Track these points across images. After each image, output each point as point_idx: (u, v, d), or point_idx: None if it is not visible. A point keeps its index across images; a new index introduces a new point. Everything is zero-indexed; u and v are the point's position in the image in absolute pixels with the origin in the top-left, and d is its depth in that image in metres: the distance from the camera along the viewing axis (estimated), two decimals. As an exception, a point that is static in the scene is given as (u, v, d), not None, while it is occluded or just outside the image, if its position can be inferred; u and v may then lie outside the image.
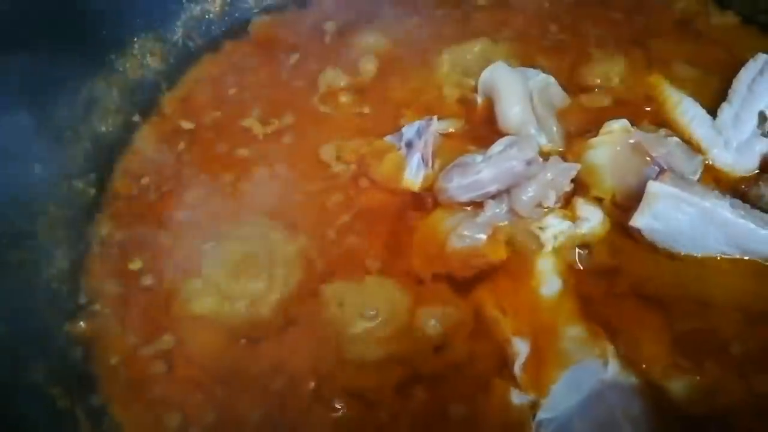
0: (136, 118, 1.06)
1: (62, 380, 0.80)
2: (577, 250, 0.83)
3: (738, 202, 0.78)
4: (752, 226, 0.77)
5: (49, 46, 0.93)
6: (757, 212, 0.78)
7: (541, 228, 0.84)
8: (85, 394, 0.81)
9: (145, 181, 0.99)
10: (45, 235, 0.89)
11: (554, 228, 0.83)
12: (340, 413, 0.77)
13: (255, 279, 0.86)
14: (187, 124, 1.05)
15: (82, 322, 0.86)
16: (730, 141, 0.87)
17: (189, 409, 0.78)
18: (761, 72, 0.89)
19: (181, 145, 1.03)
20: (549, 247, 0.83)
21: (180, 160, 1.01)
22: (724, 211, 0.77)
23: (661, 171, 0.82)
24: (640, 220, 0.80)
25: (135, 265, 0.90)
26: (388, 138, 0.97)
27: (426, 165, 0.93)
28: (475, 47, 1.07)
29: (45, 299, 0.86)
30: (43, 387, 0.78)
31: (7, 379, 0.76)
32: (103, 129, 1.02)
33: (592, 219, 0.83)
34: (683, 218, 0.78)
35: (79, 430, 0.77)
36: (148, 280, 0.89)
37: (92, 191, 0.98)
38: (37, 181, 0.91)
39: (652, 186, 0.78)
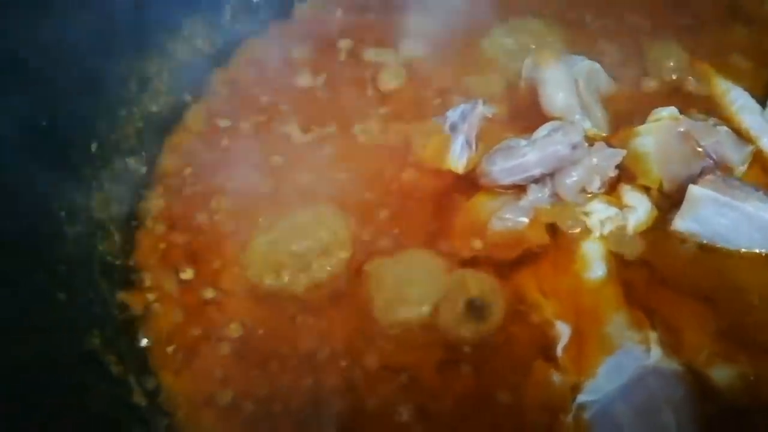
0: (187, 98, 1.07)
1: (116, 349, 0.82)
2: (622, 236, 0.82)
3: None
4: None
5: (103, 26, 0.94)
6: None
7: (586, 213, 0.83)
8: (137, 363, 0.83)
9: (194, 160, 1.00)
10: (100, 210, 0.91)
11: (601, 213, 0.82)
12: (381, 389, 0.77)
13: (303, 257, 0.86)
14: (235, 104, 1.06)
15: (133, 294, 0.87)
16: (781, 131, 0.86)
17: (239, 382, 0.79)
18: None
19: (229, 124, 1.04)
20: (597, 233, 0.82)
21: (229, 140, 1.02)
22: (766, 214, 0.76)
23: (704, 171, 0.80)
24: (680, 224, 0.80)
25: (183, 240, 0.92)
26: (433, 120, 0.97)
27: (470, 148, 0.93)
28: (521, 30, 1.06)
29: (100, 271, 0.88)
30: (100, 354, 0.80)
31: (67, 347, 0.78)
32: (155, 109, 1.04)
33: (639, 207, 0.82)
34: (725, 222, 0.77)
35: (133, 398, 0.79)
36: (196, 256, 0.90)
37: (143, 169, 0.99)
38: (94, 159, 0.93)
39: (693, 190, 0.78)
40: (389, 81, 1.04)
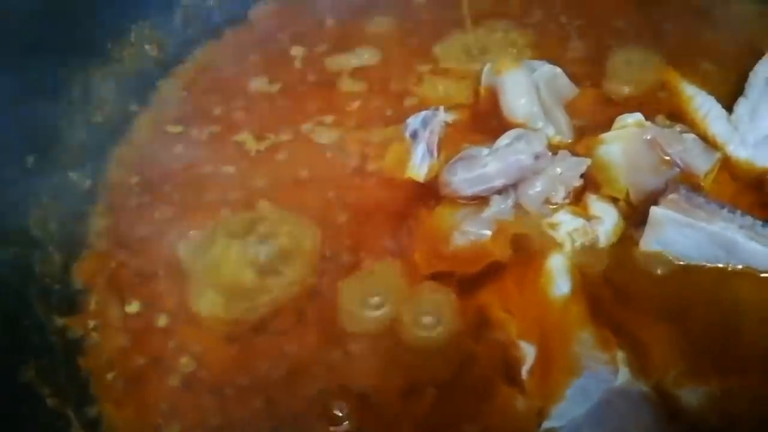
0: (134, 107, 1.02)
1: (53, 379, 0.76)
2: (588, 250, 0.78)
3: (749, 219, 0.73)
4: (760, 247, 0.72)
5: (44, 34, 0.89)
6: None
7: (552, 225, 0.79)
8: (76, 395, 0.76)
9: (142, 170, 0.95)
10: (37, 229, 0.85)
11: (567, 225, 0.78)
12: (342, 415, 0.72)
13: (257, 276, 0.82)
14: (185, 112, 1.01)
15: (74, 320, 0.81)
16: (746, 136, 0.82)
17: (188, 413, 0.74)
18: (779, 69, 0.84)
19: (181, 130, 0.99)
20: (567, 246, 0.78)
21: (180, 149, 0.97)
22: (732, 233, 0.72)
23: (668, 187, 0.76)
24: (645, 245, 0.76)
25: (129, 259, 0.86)
26: (392, 128, 0.93)
27: (431, 156, 0.88)
28: (480, 33, 1.03)
29: (37, 295, 0.81)
30: (35, 386, 0.74)
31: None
32: (99, 119, 0.97)
33: (606, 218, 0.78)
34: (690, 242, 0.74)
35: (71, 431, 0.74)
36: (142, 278, 0.84)
37: (87, 183, 0.93)
38: (30, 173, 0.86)
39: (656, 213, 0.74)
40: (346, 87, 1.00)
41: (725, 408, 0.66)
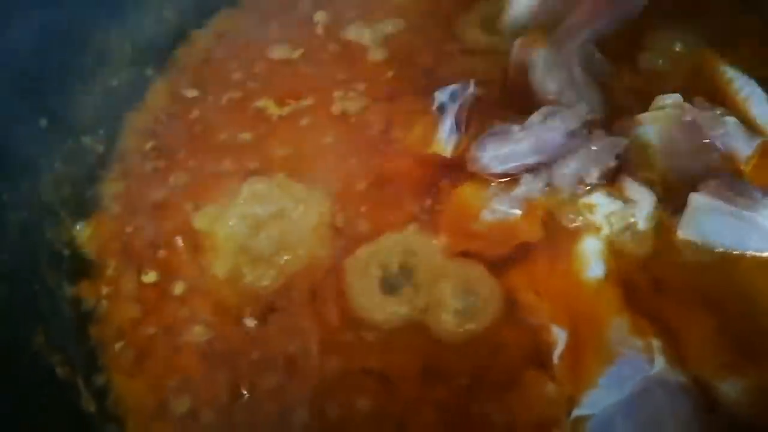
0: (149, 72, 0.98)
1: (63, 348, 0.74)
2: (624, 234, 0.75)
3: None
4: None
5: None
6: None
7: (589, 207, 0.76)
8: (85, 363, 0.75)
9: (156, 137, 0.92)
10: (49, 194, 0.82)
11: (605, 208, 0.75)
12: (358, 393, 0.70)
13: (276, 246, 0.79)
14: (203, 78, 0.97)
15: (85, 287, 0.79)
16: (789, 126, 0.79)
17: (200, 387, 0.72)
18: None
19: (197, 94, 0.96)
20: (606, 230, 0.74)
21: (195, 113, 0.94)
22: None
23: (708, 172, 0.74)
24: (684, 231, 0.73)
25: (142, 225, 0.84)
26: (419, 101, 0.89)
27: (459, 130, 0.85)
28: (511, 9, 0.97)
29: (47, 261, 0.79)
30: (45, 354, 0.72)
31: (7, 343, 0.69)
32: (114, 83, 0.94)
33: (643, 202, 0.75)
34: (731, 231, 0.71)
35: (81, 403, 0.71)
36: (156, 245, 0.81)
37: (100, 148, 0.90)
38: (43, 137, 0.83)
39: (696, 199, 0.72)
40: (371, 57, 0.97)
41: (764, 402, 0.64)
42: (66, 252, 0.81)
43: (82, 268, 0.81)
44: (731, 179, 0.72)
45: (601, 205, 0.75)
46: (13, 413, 0.65)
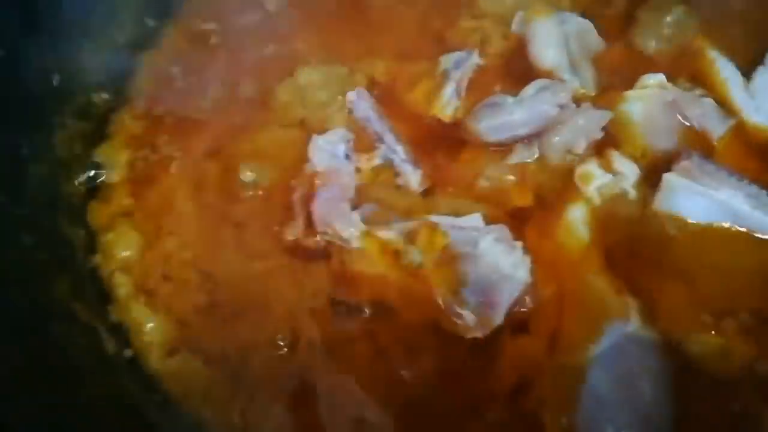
0: (151, 23, 1.00)
1: (84, 295, 0.78)
2: (609, 203, 0.80)
3: (754, 188, 0.76)
4: (763, 216, 0.76)
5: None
6: None
7: (583, 179, 0.80)
8: (104, 307, 0.79)
9: (166, 87, 0.94)
10: (64, 150, 0.85)
11: (598, 180, 0.80)
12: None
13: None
14: (208, 27, 0.99)
15: (104, 236, 0.83)
16: (762, 105, 0.84)
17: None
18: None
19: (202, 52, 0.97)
20: (597, 200, 0.80)
21: (202, 66, 0.96)
22: (739, 202, 0.76)
23: (681, 153, 0.79)
24: (659, 206, 0.79)
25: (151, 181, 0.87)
26: (423, 63, 0.93)
27: (459, 96, 0.89)
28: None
29: (66, 213, 0.82)
30: (66, 301, 0.76)
31: (35, 293, 0.73)
32: (122, 40, 0.95)
33: (629, 174, 0.80)
34: (699, 207, 0.77)
35: (103, 345, 0.76)
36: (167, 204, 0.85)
37: (110, 103, 0.93)
38: (56, 94, 0.85)
39: (668, 179, 0.77)
40: (378, 17, 1.00)
41: (729, 359, 0.71)
42: (83, 204, 0.84)
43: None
44: (701, 160, 0.78)
45: (595, 178, 0.80)
46: (48, 363, 0.69)
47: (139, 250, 0.81)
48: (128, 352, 0.76)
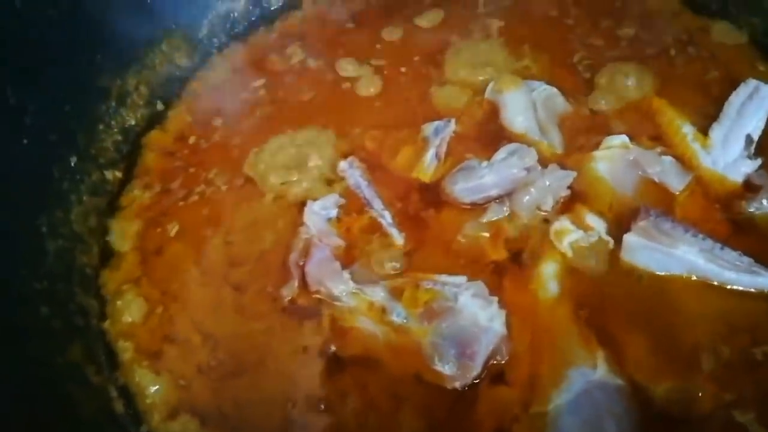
0: (159, 106, 1.08)
1: (95, 359, 0.83)
2: (579, 258, 0.84)
3: (709, 243, 0.81)
4: (717, 269, 0.80)
5: (83, 45, 0.95)
6: (727, 252, 0.80)
7: (557, 236, 0.85)
8: (113, 370, 0.84)
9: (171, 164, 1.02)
10: (79, 224, 0.91)
11: (572, 236, 0.84)
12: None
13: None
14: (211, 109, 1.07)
15: (114, 303, 0.88)
16: (717, 160, 0.89)
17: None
18: (750, 96, 0.91)
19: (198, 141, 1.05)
20: (570, 254, 0.84)
21: (199, 153, 1.03)
22: (693, 257, 0.80)
23: (640, 213, 0.83)
24: (623, 259, 0.83)
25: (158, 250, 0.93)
26: (405, 131, 1.00)
27: (438, 160, 0.96)
28: (486, 50, 1.08)
29: (80, 283, 0.88)
30: (82, 365, 0.81)
31: (52, 358, 0.78)
32: (132, 122, 1.03)
33: (599, 229, 0.85)
34: (657, 261, 0.82)
35: (112, 405, 0.80)
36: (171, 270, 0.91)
37: (120, 179, 1.00)
38: (73, 173, 0.93)
39: (628, 239, 0.82)
40: (363, 92, 1.07)
41: (688, 400, 0.74)
42: (96, 274, 0.90)
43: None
44: (657, 219, 0.82)
45: (569, 234, 0.84)
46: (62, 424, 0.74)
47: (143, 316, 0.86)
48: (134, 413, 0.80)
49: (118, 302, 0.87)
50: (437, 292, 0.83)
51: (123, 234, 0.94)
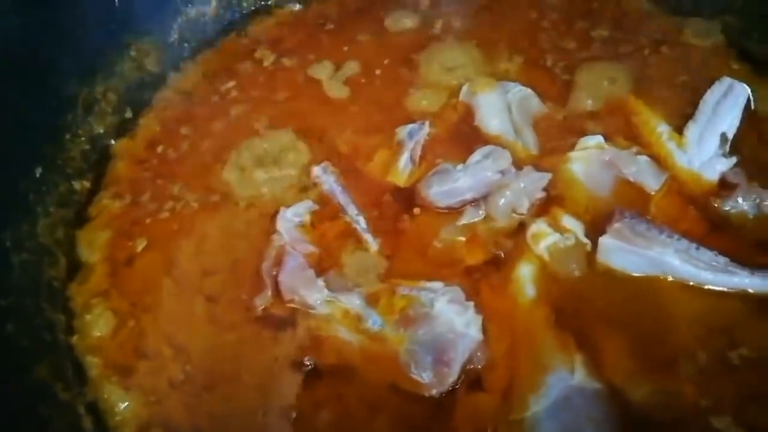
0: (128, 114, 1.05)
1: (64, 375, 0.80)
2: (555, 260, 0.83)
3: (684, 243, 0.80)
4: (693, 270, 0.79)
5: (49, 51, 0.92)
6: (702, 252, 0.79)
7: (534, 239, 0.84)
8: (82, 386, 0.81)
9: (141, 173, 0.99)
10: (46, 236, 0.88)
11: (548, 240, 0.83)
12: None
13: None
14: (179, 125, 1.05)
15: (82, 318, 0.85)
16: (693, 159, 0.88)
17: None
18: (725, 95, 0.90)
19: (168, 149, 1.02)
20: (546, 258, 0.83)
21: (169, 161, 1.00)
22: (669, 258, 0.79)
23: (614, 215, 0.82)
24: (599, 261, 0.82)
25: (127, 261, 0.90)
26: (379, 136, 0.98)
27: (413, 164, 0.94)
28: (460, 52, 1.07)
29: (47, 298, 0.85)
30: (49, 382, 0.78)
31: (20, 376, 0.76)
32: (101, 130, 1.00)
33: (576, 232, 0.83)
34: (633, 263, 0.81)
35: (81, 423, 0.77)
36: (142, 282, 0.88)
37: (88, 189, 0.97)
38: (39, 184, 0.90)
39: (603, 242, 0.81)
40: (336, 95, 1.05)
41: (666, 403, 0.73)
42: (63, 288, 0.87)
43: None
44: (632, 220, 0.81)
45: (548, 235, 0.83)
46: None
47: (112, 329, 0.84)
48: (103, 431, 0.77)
49: (87, 316, 0.84)
50: (413, 298, 0.81)
51: (91, 245, 0.91)
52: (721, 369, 0.74)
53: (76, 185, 0.95)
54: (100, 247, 0.91)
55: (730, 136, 0.89)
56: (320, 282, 0.84)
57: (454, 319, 0.79)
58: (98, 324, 0.84)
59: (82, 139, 0.97)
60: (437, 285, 0.82)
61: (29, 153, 0.89)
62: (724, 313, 0.78)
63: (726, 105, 0.89)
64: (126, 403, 0.78)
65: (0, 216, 0.83)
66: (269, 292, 0.85)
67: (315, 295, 0.83)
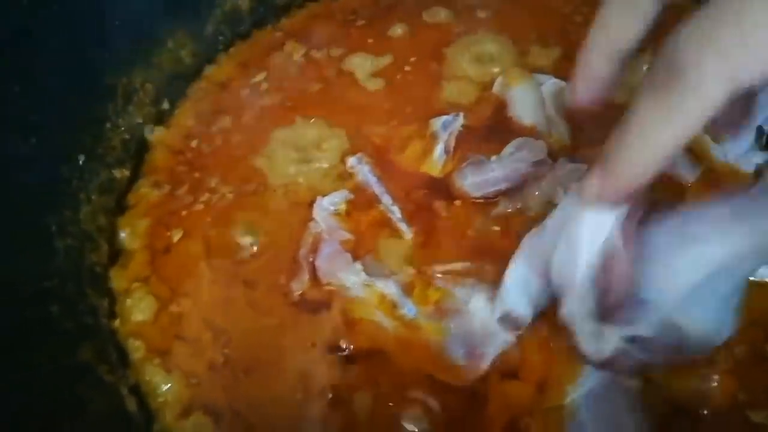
0: (165, 105, 1.06)
1: (107, 358, 0.82)
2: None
3: None
4: None
5: (88, 42, 0.93)
6: None
7: None
8: (125, 369, 0.82)
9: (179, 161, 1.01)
10: (88, 223, 0.90)
11: None
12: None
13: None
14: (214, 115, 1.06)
15: (123, 302, 0.87)
16: (728, 152, 0.88)
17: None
18: (763, 88, 0.88)
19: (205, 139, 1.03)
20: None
21: (206, 151, 1.01)
22: None
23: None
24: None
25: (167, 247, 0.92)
26: (413, 127, 0.99)
27: (447, 155, 0.95)
28: (493, 45, 1.07)
29: (89, 282, 0.86)
30: (93, 364, 0.80)
31: (64, 358, 0.77)
32: (139, 120, 1.02)
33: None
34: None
35: (125, 404, 0.79)
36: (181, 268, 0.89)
37: (128, 177, 0.99)
38: (82, 172, 0.91)
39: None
40: (371, 87, 1.05)
41: (701, 396, 0.73)
42: (105, 274, 0.89)
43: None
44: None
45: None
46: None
47: (153, 314, 0.85)
48: (146, 412, 0.79)
49: (128, 301, 0.86)
50: (448, 292, 0.82)
51: (132, 232, 0.92)
52: (758, 362, 0.74)
53: (117, 173, 0.97)
54: (140, 235, 0.92)
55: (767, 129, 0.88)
56: (358, 265, 0.85)
57: (488, 318, 0.79)
58: (139, 308, 0.85)
59: (122, 129, 0.99)
60: (472, 281, 0.82)
61: (72, 142, 0.90)
62: (762, 305, 0.77)
63: (763, 98, 0.88)
64: (168, 385, 0.79)
65: (46, 202, 0.84)
66: (306, 277, 0.86)
67: (352, 277, 0.84)
